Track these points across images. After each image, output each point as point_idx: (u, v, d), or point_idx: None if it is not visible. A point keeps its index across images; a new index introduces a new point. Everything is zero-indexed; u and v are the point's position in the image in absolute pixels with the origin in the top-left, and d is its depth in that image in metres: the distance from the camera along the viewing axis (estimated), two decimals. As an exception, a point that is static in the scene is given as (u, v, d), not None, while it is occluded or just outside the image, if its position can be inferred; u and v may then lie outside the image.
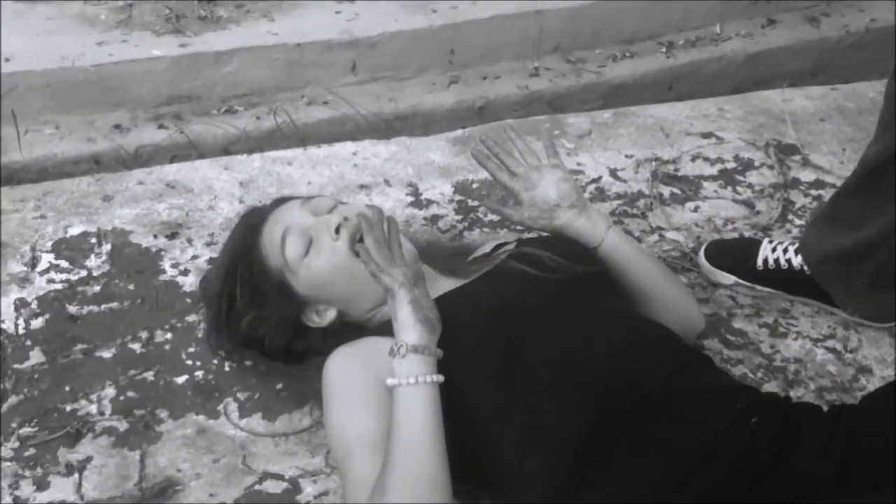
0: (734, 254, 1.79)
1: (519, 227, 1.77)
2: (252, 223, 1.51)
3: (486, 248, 1.60)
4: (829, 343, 1.69)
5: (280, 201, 1.55)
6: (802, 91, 2.45)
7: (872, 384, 1.60)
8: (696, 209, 2.00)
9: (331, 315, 1.46)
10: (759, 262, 1.74)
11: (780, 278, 1.74)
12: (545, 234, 1.58)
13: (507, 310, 1.34)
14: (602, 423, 1.20)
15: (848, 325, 1.72)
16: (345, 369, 1.32)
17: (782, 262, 1.73)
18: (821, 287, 1.71)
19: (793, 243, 1.75)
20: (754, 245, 1.78)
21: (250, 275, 1.46)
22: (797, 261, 1.72)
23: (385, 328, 1.36)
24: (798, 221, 1.96)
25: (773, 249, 1.75)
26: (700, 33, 3.16)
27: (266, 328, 1.47)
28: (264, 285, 1.45)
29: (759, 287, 1.76)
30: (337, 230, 1.41)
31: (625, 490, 1.17)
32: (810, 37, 3.16)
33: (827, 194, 2.03)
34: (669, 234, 1.92)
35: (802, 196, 2.04)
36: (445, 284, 1.45)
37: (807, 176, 2.10)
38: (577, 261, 1.45)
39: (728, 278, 1.78)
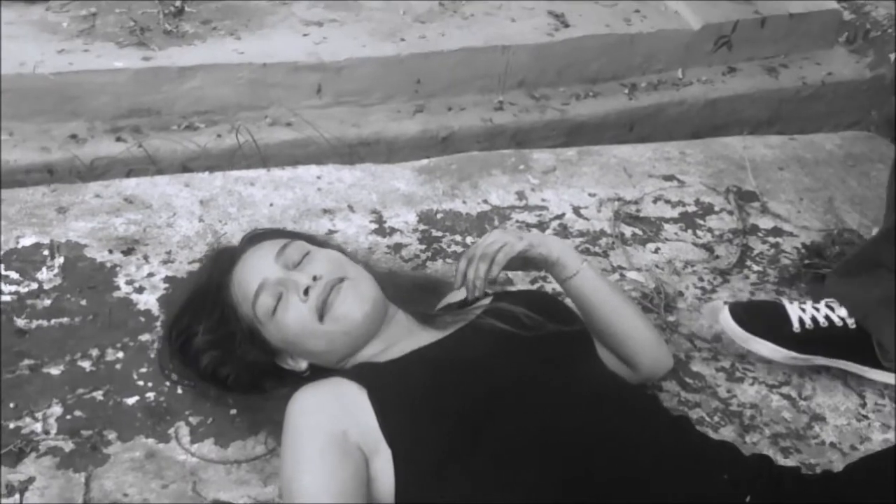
0: (765, 318, 1.68)
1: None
2: (224, 263, 1.48)
3: (460, 296, 1.56)
4: (784, 390, 1.70)
5: (253, 240, 1.51)
6: (762, 139, 2.50)
7: (826, 432, 1.62)
8: (656, 250, 2.02)
9: (302, 365, 1.45)
10: (796, 324, 1.65)
11: (821, 338, 1.65)
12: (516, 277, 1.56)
13: (480, 373, 1.31)
14: (578, 496, 1.19)
15: (802, 372, 1.74)
16: (305, 414, 1.28)
17: (821, 320, 1.65)
18: (861, 345, 1.65)
19: (815, 301, 1.69)
20: (779, 307, 1.68)
21: (220, 316, 1.45)
22: (838, 314, 1.65)
23: (355, 372, 1.35)
24: (756, 267, 1.99)
25: (803, 309, 1.67)
26: (662, 77, 3.21)
27: (231, 368, 1.47)
28: (233, 328, 1.44)
29: (795, 354, 1.66)
30: (306, 291, 1.38)
31: None
32: (768, 86, 3.23)
33: (785, 242, 2.06)
34: (630, 274, 1.94)
35: (760, 243, 2.07)
36: (420, 337, 1.42)
37: (765, 223, 2.13)
38: (553, 319, 1.43)
39: (766, 347, 1.67)
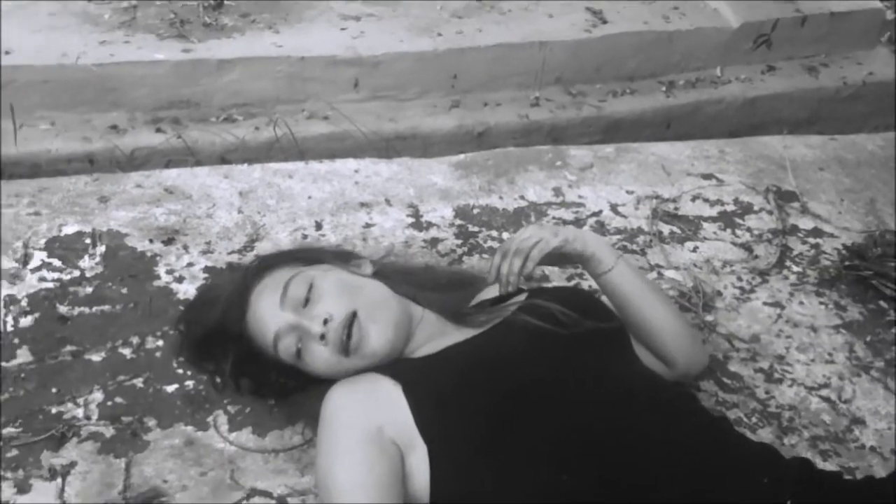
0: None
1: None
2: (234, 310, 1.45)
3: (494, 291, 1.55)
4: (824, 392, 1.68)
5: (256, 278, 1.46)
6: (802, 139, 2.47)
7: (866, 436, 1.60)
8: (694, 249, 2.00)
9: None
10: None
11: None
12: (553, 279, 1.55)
13: (511, 370, 1.32)
14: (608, 495, 1.18)
15: (842, 375, 1.72)
16: (341, 410, 1.29)
17: None
18: None
19: None
20: None
21: (248, 355, 1.45)
22: None
23: (390, 368, 1.35)
24: (795, 268, 1.97)
25: None
26: (700, 75, 3.18)
27: (269, 392, 1.52)
28: (263, 361, 1.44)
29: None
30: (322, 336, 1.36)
31: None
32: (808, 86, 3.20)
33: (825, 243, 2.04)
34: (668, 273, 1.92)
35: (800, 243, 2.05)
36: (454, 334, 1.43)
37: (805, 224, 2.11)
38: (589, 316, 1.43)
39: None
